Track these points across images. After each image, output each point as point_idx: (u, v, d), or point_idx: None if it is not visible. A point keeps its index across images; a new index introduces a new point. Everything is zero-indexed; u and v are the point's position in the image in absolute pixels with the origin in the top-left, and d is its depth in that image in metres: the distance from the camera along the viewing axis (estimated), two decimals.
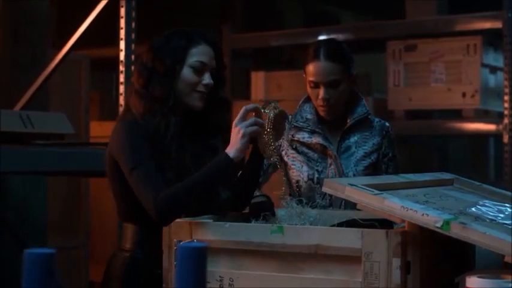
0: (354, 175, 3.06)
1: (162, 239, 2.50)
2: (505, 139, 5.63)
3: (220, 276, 2.42)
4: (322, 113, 3.09)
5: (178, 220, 2.50)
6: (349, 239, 2.27)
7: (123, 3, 4.09)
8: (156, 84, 2.67)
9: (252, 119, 2.57)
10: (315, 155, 3.09)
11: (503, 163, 5.68)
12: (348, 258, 2.27)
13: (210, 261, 2.45)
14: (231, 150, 2.55)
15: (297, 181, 3.11)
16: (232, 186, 2.74)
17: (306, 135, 3.12)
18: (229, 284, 2.41)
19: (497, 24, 5.76)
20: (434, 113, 6.33)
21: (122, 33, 4.10)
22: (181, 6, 8.89)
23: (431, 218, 2.14)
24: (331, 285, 2.29)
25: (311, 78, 3.06)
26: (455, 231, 2.10)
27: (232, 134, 2.57)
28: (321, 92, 3.04)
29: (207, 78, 2.70)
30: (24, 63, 4.80)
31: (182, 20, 8.52)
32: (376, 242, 2.23)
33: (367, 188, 2.27)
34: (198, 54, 2.70)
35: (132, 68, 3.99)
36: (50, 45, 5.32)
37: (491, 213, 2.37)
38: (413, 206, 2.18)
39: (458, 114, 6.05)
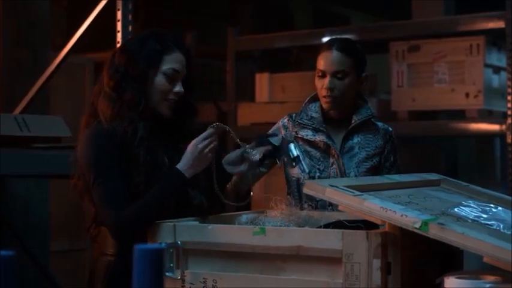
0: (356, 176, 3.05)
1: (147, 242, 2.52)
2: (509, 139, 5.59)
3: (204, 278, 2.44)
4: (325, 105, 3.08)
5: (162, 222, 2.52)
6: (330, 240, 2.28)
7: (119, 6, 4.10)
8: (127, 88, 2.66)
9: (207, 139, 2.62)
10: (318, 154, 3.09)
11: (507, 163, 5.65)
12: (329, 260, 2.28)
13: (194, 262, 2.48)
14: (190, 168, 2.61)
15: (298, 179, 3.10)
16: (204, 190, 2.76)
17: (309, 132, 3.11)
18: (213, 285, 2.42)
19: (500, 24, 5.72)
20: (437, 114, 6.31)
21: (119, 36, 4.11)
22: (191, 7, 8.91)
23: (409, 218, 2.14)
24: (313, 286, 2.30)
25: (320, 68, 3.08)
26: (434, 231, 2.11)
27: (189, 150, 2.62)
28: (326, 81, 3.05)
29: (178, 87, 2.72)
30: (25, 65, 4.82)
31: (191, 21, 8.56)
32: (356, 243, 2.24)
33: (348, 189, 2.28)
34: (172, 61, 2.71)
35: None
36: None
37: (474, 214, 2.37)
38: (392, 207, 2.19)
39: (461, 115, 6.02)
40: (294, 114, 3.19)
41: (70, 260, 5.56)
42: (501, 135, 5.91)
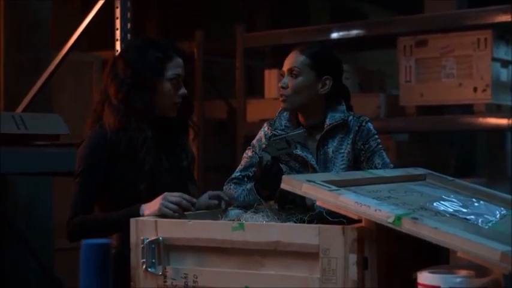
0: None
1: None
2: None
3: (184, 273, 2.45)
4: (281, 106, 3.04)
5: (143, 218, 2.55)
6: (307, 235, 2.28)
7: (118, 4, 4.11)
8: (136, 99, 2.79)
9: (177, 200, 2.64)
10: (297, 165, 2.98)
11: None
12: (307, 255, 2.28)
13: (175, 258, 2.49)
14: (147, 210, 2.65)
15: None
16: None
17: None
18: (194, 280, 2.43)
19: (508, 18, 5.67)
20: (445, 108, 6.28)
21: (118, 34, 4.13)
22: (203, 5, 8.92)
23: (383, 213, 2.14)
24: (291, 281, 2.30)
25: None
26: (407, 226, 2.10)
27: (158, 198, 2.65)
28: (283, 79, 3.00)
29: (182, 89, 2.88)
30: (27, 67, 4.86)
31: (202, 19, 8.56)
32: (332, 238, 2.24)
33: (324, 184, 2.28)
34: (174, 67, 2.86)
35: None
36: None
37: (454, 208, 2.36)
38: (367, 202, 2.18)
39: (469, 109, 5.98)
40: (272, 121, 3.08)
41: (75, 258, 5.59)
42: (511, 129, 5.87)
